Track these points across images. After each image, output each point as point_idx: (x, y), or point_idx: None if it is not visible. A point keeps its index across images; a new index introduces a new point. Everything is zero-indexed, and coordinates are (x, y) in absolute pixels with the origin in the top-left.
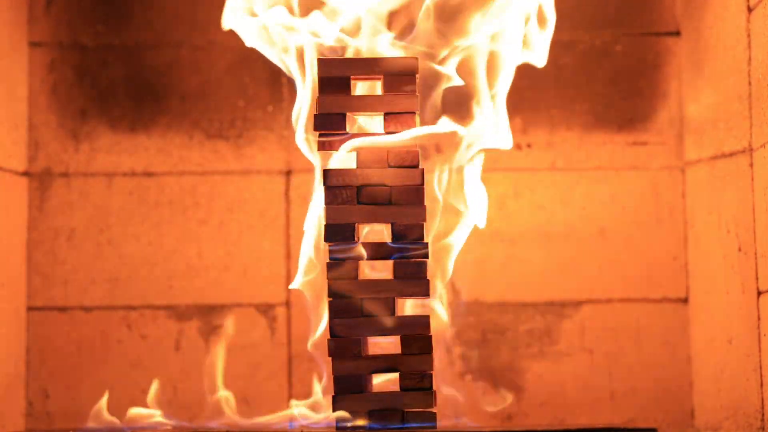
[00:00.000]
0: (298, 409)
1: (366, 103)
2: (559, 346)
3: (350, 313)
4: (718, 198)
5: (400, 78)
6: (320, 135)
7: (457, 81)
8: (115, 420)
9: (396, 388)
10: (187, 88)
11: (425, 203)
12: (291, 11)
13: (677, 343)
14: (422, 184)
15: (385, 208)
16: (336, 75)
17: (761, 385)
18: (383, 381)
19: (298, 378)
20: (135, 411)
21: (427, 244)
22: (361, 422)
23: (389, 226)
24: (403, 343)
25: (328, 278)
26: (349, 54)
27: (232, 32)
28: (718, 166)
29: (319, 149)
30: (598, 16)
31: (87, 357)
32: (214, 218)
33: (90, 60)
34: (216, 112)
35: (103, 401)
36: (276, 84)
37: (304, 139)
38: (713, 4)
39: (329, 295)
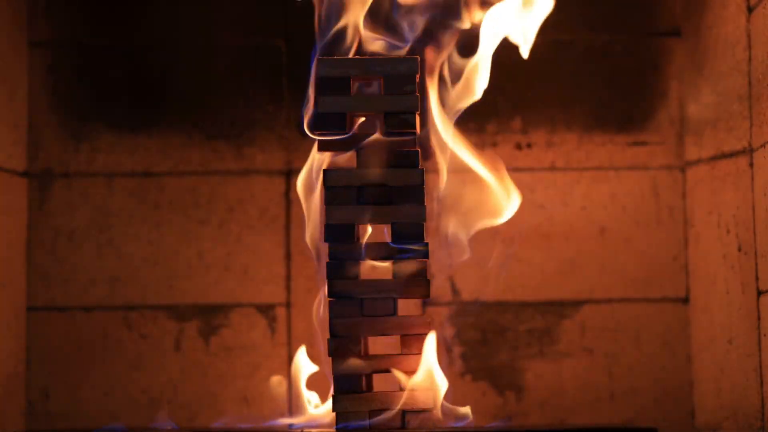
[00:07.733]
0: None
1: (366, 103)
2: (559, 346)
3: (350, 313)
4: (718, 198)
5: (400, 78)
6: (320, 135)
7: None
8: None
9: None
10: (187, 88)
11: (425, 203)
12: None
13: (677, 343)
14: (422, 184)
15: (385, 208)
16: (336, 75)
17: (761, 385)
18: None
19: None
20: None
21: (427, 244)
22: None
23: (389, 226)
24: (403, 343)
25: (328, 278)
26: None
27: (232, 32)
28: (718, 166)
29: (319, 149)
30: (598, 16)
31: (87, 357)
32: (214, 218)
33: (90, 60)
34: (216, 112)
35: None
36: (276, 84)
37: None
38: (713, 4)
39: (329, 295)
